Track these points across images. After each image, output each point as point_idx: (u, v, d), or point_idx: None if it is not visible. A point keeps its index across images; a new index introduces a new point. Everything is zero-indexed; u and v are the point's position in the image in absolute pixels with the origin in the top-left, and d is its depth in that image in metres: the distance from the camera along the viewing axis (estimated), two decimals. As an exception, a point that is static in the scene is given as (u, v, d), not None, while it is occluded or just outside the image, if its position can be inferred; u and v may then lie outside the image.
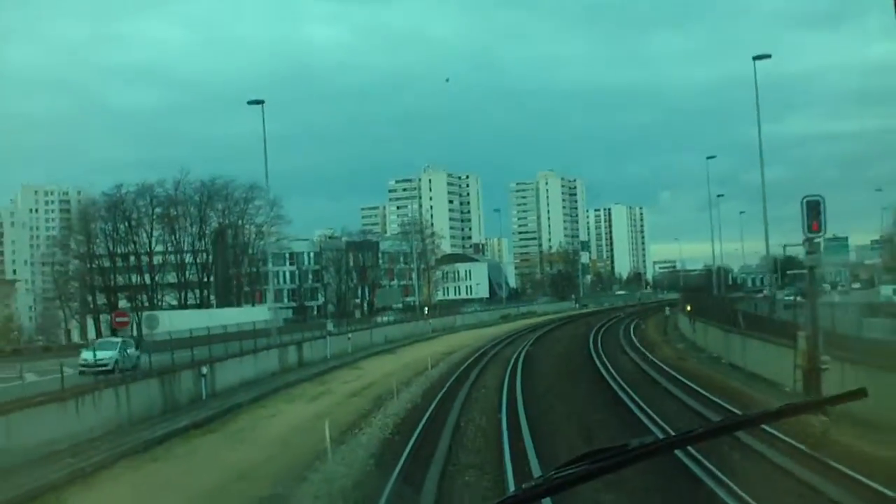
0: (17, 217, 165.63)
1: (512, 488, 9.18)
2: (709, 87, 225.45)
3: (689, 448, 11.72)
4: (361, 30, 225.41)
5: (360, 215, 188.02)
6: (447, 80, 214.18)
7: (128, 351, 30.49)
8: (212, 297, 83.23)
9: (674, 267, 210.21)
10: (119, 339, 32.43)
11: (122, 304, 75.00)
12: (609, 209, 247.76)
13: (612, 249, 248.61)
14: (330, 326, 52.48)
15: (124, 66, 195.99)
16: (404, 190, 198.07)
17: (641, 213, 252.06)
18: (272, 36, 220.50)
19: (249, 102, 42.79)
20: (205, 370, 28.99)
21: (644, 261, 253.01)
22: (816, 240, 17.96)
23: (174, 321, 46.01)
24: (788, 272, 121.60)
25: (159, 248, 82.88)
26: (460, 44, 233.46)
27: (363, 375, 34.16)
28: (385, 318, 69.14)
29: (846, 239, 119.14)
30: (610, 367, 30.75)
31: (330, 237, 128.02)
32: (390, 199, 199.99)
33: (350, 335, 49.92)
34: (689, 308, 43.87)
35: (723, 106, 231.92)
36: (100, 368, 26.93)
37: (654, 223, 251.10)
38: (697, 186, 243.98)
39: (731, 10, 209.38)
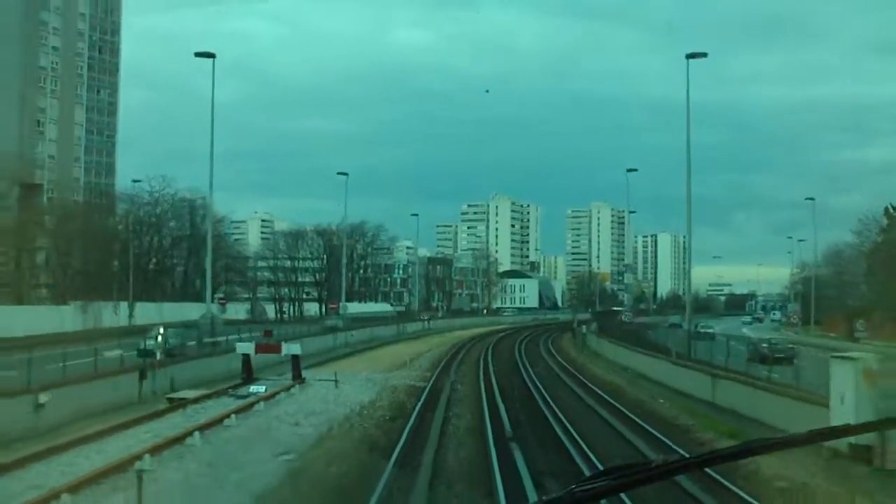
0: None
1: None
2: (787, 110, 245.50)
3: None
4: (446, 36, 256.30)
5: (435, 231, 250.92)
6: (487, 91, 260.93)
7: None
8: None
9: (722, 290, 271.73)
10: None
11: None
12: (655, 236, 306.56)
13: (655, 272, 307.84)
14: (440, 315, 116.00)
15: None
16: (475, 213, 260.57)
17: (685, 240, 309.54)
18: (358, 35, 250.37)
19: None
20: (405, 327, 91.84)
21: (684, 283, 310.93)
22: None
23: (351, 308, 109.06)
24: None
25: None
26: (542, 52, 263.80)
27: (454, 333, 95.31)
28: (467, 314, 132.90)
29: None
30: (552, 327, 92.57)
31: (408, 247, 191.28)
32: (462, 220, 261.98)
33: (445, 320, 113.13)
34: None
35: (801, 129, 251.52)
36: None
37: (721, 244, 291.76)
38: (771, 209, 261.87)
39: (815, 35, 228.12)
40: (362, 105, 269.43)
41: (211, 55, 46.33)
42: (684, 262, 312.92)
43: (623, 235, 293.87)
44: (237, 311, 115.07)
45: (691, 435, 24.74)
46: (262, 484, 17.87)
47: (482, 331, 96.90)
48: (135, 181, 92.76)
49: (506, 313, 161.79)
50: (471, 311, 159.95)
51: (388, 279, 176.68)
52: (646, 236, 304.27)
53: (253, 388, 32.60)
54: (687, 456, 2.77)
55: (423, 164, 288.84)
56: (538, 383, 38.48)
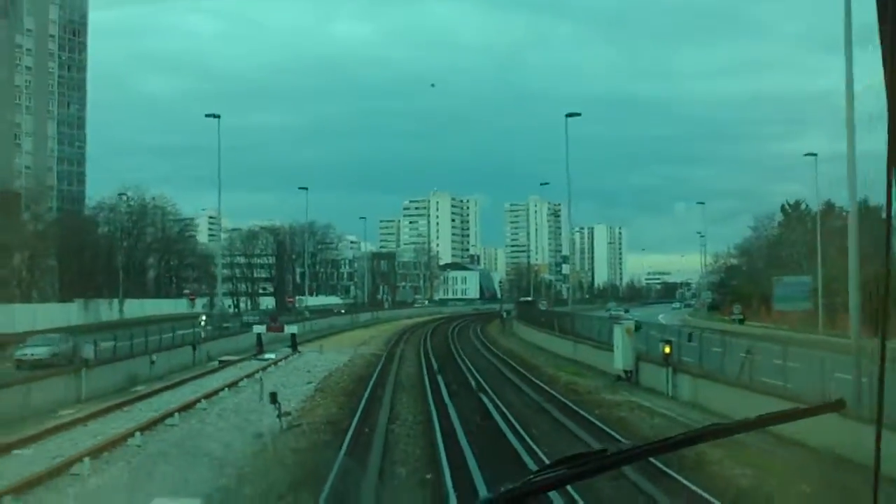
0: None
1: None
2: (728, 103, 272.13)
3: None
4: (389, 29, 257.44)
5: (378, 226, 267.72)
6: (433, 86, 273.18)
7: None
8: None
9: (659, 278, 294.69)
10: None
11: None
12: (592, 228, 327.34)
13: (592, 263, 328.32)
14: (386, 306, 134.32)
15: (154, 54, 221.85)
16: (416, 209, 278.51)
17: (620, 231, 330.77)
18: (299, 28, 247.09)
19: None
20: (358, 316, 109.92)
21: (621, 273, 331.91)
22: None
23: (308, 301, 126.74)
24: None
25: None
26: (484, 47, 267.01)
27: (401, 322, 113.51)
28: (411, 307, 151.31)
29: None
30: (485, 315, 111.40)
31: (352, 241, 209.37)
32: (404, 216, 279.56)
33: (391, 311, 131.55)
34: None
35: (742, 122, 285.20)
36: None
37: (663, 234, 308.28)
38: (711, 199, 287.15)
39: (754, 31, 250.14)
40: (303, 98, 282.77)
41: (216, 116, 63.80)
42: (620, 253, 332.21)
43: (559, 228, 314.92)
44: (193, 305, 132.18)
45: (540, 371, 43.70)
46: (304, 393, 35.97)
47: (424, 319, 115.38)
48: (121, 195, 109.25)
49: (416, 305, 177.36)
50: (413, 303, 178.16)
51: (336, 273, 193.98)
52: (582, 228, 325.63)
53: (268, 355, 50.61)
54: (640, 444, 2.96)
55: (365, 158, 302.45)
56: (460, 351, 57.20)
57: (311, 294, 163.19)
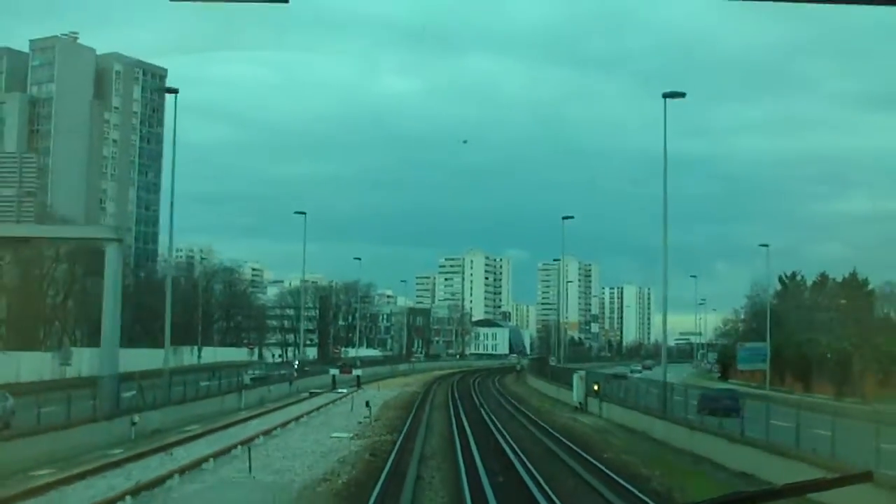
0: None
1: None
2: (770, 162, 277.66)
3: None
4: (432, 84, 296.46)
5: (415, 282, 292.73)
6: (465, 142, 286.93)
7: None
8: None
9: (688, 339, 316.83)
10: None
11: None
12: (621, 288, 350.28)
13: (622, 322, 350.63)
14: (420, 357, 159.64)
15: (198, 102, 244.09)
16: (451, 266, 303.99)
17: (649, 292, 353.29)
18: (345, 82, 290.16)
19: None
20: (397, 366, 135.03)
21: (649, 332, 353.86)
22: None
23: (355, 351, 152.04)
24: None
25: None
26: (525, 102, 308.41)
27: (433, 372, 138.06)
28: (443, 359, 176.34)
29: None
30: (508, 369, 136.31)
31: (388, 296, 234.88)
32: (439, 272, 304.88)
33: (426, 363, 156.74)
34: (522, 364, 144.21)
35: (783, 180, 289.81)
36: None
37: (701, 293, 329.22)
38: (751, 258, 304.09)
39: (793, 89, 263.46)
40: (345, 150, 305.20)
41: (303, 213, 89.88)
42: (648, 312, 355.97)
43: (590, 287, 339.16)
44: (252, 353, 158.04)
45: (525, 402, 68.52)
46: (377, 409, 60.81)
47: (454, 370, 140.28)
48: (202, 258, 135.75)
49: (448, 358, 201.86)
50: (446, 356, 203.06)
51: (374, 327, 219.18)
52: (612, 288, 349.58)
53: (341, 390, 75.70)
54: None
55: (403, 210, 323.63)
56: (477, 391, 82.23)
57: (352, 346, 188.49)
